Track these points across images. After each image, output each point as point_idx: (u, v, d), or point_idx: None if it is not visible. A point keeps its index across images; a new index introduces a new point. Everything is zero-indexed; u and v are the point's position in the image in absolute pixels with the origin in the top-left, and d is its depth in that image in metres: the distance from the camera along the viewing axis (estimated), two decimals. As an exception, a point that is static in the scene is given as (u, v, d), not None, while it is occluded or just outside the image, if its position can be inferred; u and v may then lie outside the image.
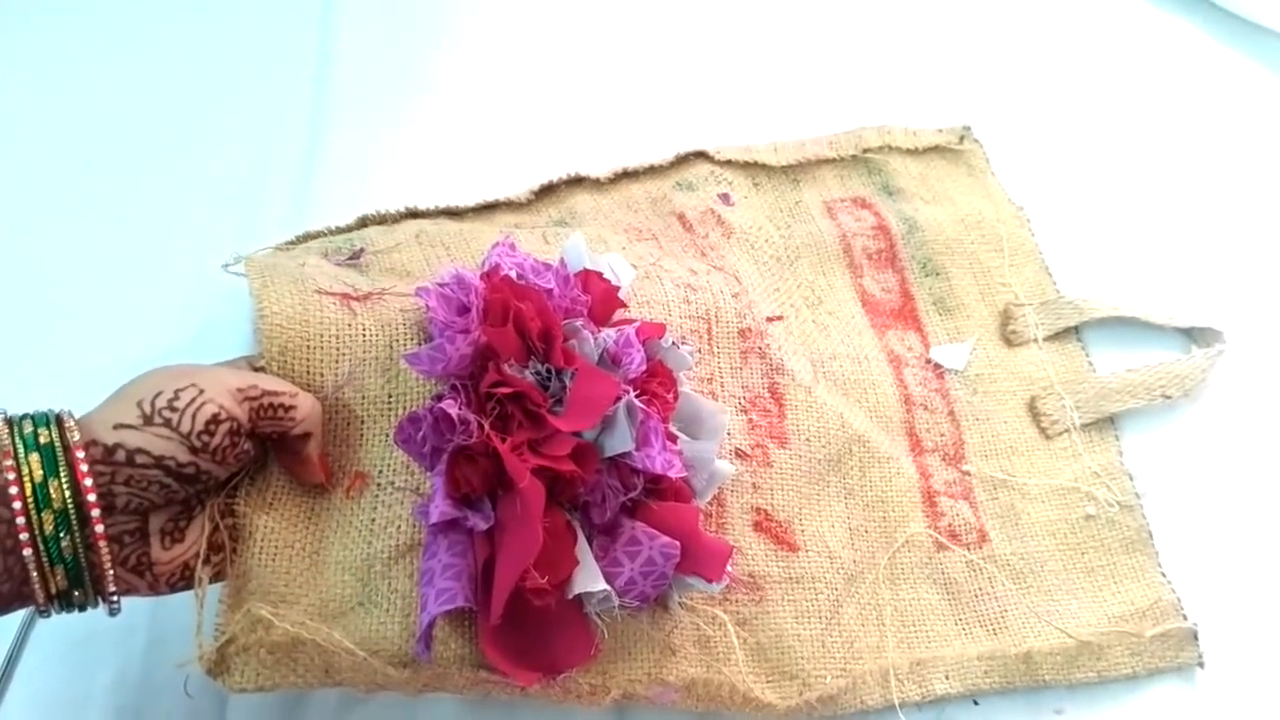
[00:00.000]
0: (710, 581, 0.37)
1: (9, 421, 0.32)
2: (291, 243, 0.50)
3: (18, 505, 0.30)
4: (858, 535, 0.47)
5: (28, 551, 0.30)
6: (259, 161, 0.59)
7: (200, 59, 0.64)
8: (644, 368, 0.37)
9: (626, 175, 0.58)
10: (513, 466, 0.34)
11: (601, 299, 0.39)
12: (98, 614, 0.34)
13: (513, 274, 0.38)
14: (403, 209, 0.53)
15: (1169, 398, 0.53)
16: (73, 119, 0.60)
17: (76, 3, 0.65)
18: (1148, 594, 0.48)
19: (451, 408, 0.35)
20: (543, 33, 0.68)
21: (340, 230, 0.51)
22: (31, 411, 0.33)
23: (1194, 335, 0.56)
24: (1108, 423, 0.53)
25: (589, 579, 0.35)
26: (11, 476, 0.30)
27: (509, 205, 0.55)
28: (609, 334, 0.37)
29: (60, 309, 0.53)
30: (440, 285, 0.38)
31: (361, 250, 0.47)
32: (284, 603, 0.35)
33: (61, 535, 0.31)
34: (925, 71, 0.68)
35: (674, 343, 0.40)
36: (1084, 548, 0.49)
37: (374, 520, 0.38)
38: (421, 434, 0.36)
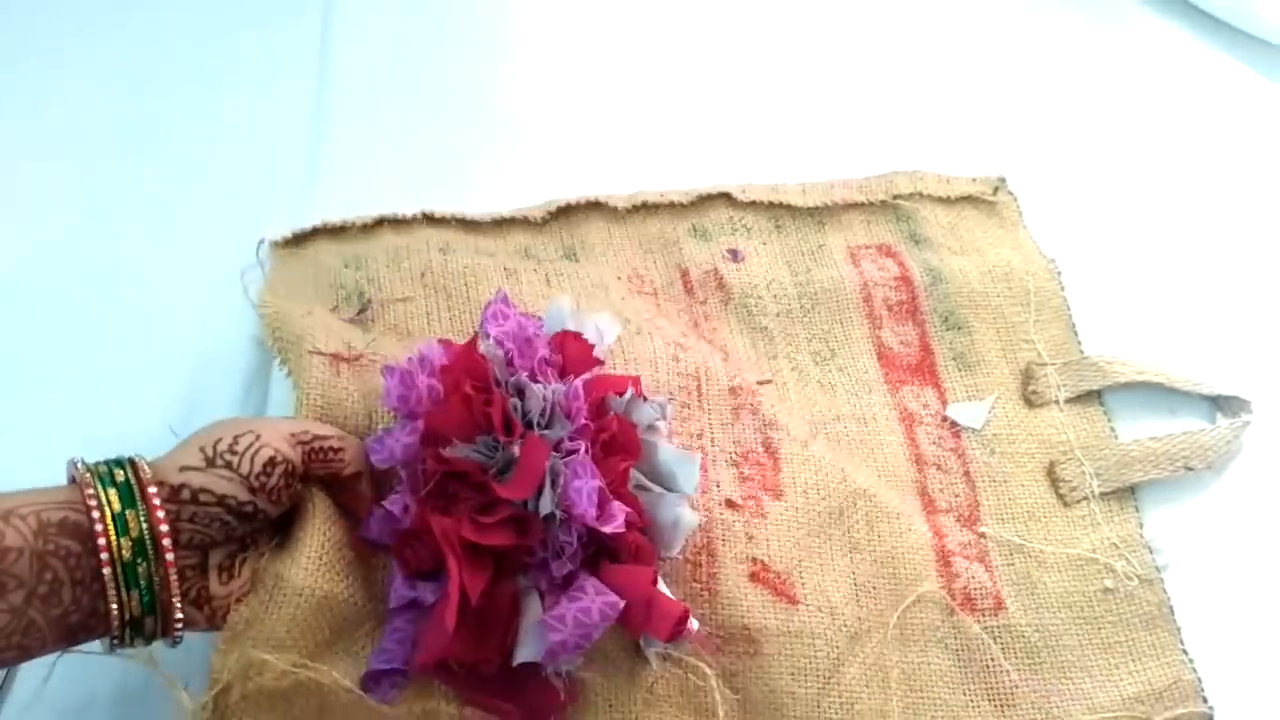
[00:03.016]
0: (664, 641, 0.39)
1: (87, 465, 0.34)
2: (304, 234, 0.54)
3: (99, 527, 0.32)
4: (864, 592, 0.46)
5: (107, 570, 0.32)
6: (261, 164, 0.59)
7: (202, 60, 0.64)
8: (584, 418, 0.38)
9: (645, 208, 0.58)
10: (445, 547, 0.36)
11: (575, 358, 0.41)
12: None
13: (491, 346, 0.40)
14: (419, 214, 0.56)
15: (1192, 469, 0.52)
16: (73, 120, 0.60)
17: (76, 3, 0.66)
18: (1167, 673, 0.47)
19: (395, 504, 0.38)
20: (554, 38, 0.68)
21: (356, 228, 0.54)
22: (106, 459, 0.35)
23: (1220, 404, 0.55)
24: (1128, 492, 0.52)
25: (530, 650, 0.37)
26: (94, 504, 0.32)
27: (523, 223, 0.57)
28: (557, 388, 0.39)
29: (61, 311, 0.53)
30: (403, 365, 0.40)
31: (369, 304, 0.49)
32: (281, 649, 0.37)
33: (139, 561, 0.33)
34: (961, 118, 0.67)
35: (636, 396, 0.41)
36: (1101, 622, 0.48)
37: (369, 581, 0.40)
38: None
